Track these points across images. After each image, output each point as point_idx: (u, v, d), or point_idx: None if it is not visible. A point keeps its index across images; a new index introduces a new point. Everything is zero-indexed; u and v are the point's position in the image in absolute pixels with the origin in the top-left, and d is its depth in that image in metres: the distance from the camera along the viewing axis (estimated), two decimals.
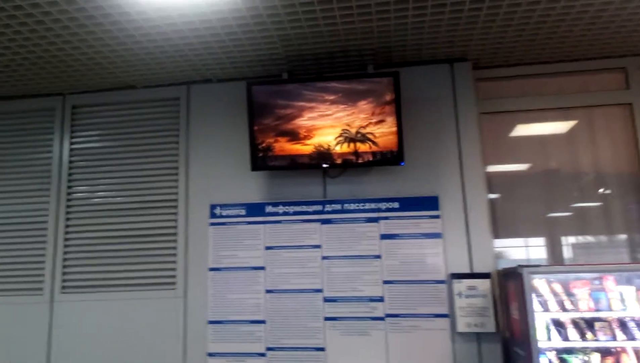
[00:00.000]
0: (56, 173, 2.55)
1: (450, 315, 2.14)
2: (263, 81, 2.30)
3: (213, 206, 2.41)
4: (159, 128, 2.54)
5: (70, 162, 2.57)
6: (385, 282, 2.21)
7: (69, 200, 2.53)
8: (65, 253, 2.48)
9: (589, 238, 2.28)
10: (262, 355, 2.22)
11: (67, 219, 2.51)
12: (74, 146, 2.58)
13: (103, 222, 2.48)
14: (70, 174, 2.55)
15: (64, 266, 2.46)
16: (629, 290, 1.92)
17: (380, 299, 2.20)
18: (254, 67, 2.38)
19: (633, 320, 1.90)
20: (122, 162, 2.53)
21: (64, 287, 2.45)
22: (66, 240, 2.49)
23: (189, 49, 2.17)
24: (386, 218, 2.27)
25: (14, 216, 2.55)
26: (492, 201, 2.37)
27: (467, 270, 2.18)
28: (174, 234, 2.42)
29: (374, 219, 2.27)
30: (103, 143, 2.56)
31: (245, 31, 2.03)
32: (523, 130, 2.44)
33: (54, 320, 2.41)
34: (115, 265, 2.43)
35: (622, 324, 1.91)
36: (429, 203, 2.25)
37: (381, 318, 2.18)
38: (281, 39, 2.09)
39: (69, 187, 2.54)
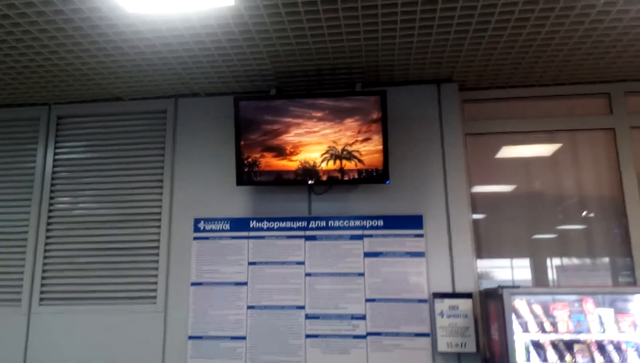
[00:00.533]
0: (39, 183, 2.52)
1: (431, 334, 2.14)
2: (251, 96, 2.31)
3: (197, 221, 2.39)
4: (145, 141, 2.52)
5: (54, 173, 2.54)
6: (368, 300, 2.21)
7: (50, 211, 2.50)
8: (45, 264, 2.44)
9: (573, 261, 2.30)
10: None
11: (48, 230, 2.48)
12: (57, 157, 2.56)
13: (84, 234, 2.45)
14: (53, 185, 2.52)
15: (43, 278, 2.43)
16: (608, 313, 1.94)
17: (363, 317, 2.19)
18: (242, 82, 2.39)
19: (611, 342, 1.92)
20: (106, 174, 2.51)
21: (42, 299, 2.41)
22: (46, 251, 2.45)
23: (177, 62, 2.17)
24: (370, 235, 2.27)
25: None
26: (476, 221, 2.39)
27: (449, 290, 2.18)
28: (157, 247, 2.40)
29: (359, 237, 2.28)
30: (87, 154, 2.54)
31: (234, 46, 2.03)
32: (508, 152, 2.46)
33: (31, 332, 2.37)
34: (95, 277, 2.40)
35: (600, 347, 1.93)
36: (413, 222, 2.26)
37: (363, 337, 2.17)
38: (270, 55, 2.10)
39: (51, 198, 2.51)
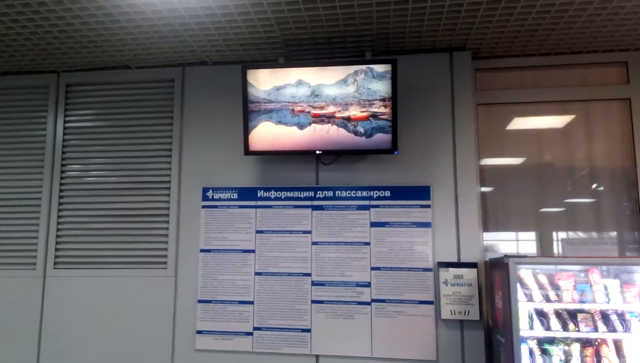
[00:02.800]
0: (50, 151, 2.56)
1: (435, 302, 2.18)
2: (259, 64, 2.27)
3: (205, 189, 2.42)
4: (153, 109, 2.53)
5: (64, 140, 2.57)
6: (373, 268, 2.24)
7: (62, 178, 2.54)
8: (59, 229, 2.51)
9: (580, 234, 2.29)
10: (249, 334, 2.27)
11: (61, 196, 2.53)
12: (67, 125, 2.58)
13: (96, 201, 2.50)
14: (64, 153, 2.56)
15: (57, 243, 2.50)
16: (614, 284, 1.94)
17: (368, 284, 2.23)
18: (250, 50, 2.36)
19: (615, 312, 1.93)
20: (116, 142, 2.53)
21: (56, 263, 2.49)
22: (59, 217, 2.51)
23: (185, 30, 2.15)
24: (377, 206, 2.28)
25: (8, 192, 2.57)
26: (484, 194, 2.38)
27: (454, 260, 2.20)
28: (166, 215, 2.44)
29: (365, 207, 2.29)
30: (97, 122, 2.56)
31: (242, 12, 2.00)
32: (519, 123, 2.42)
33: (46, 294, 2.46)
34: (107, 243, 2.46)
35: (605, 316, 1.94)
36: (421, 193, 2.26)
37: (367, 303, 2.22)
38: (278, 22, 2.06)
39: (63, 165, 2.55)
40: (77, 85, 2.60)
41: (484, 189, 2.39)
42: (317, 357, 2.22)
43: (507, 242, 2.35)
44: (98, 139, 2.54)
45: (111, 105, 2.56)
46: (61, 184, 2.53)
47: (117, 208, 2.48)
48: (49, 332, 2.42)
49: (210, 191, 2.42)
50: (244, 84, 2.23)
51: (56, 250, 2.49)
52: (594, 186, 2.32)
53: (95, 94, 2.58)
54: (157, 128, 2.52)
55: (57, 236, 2.50)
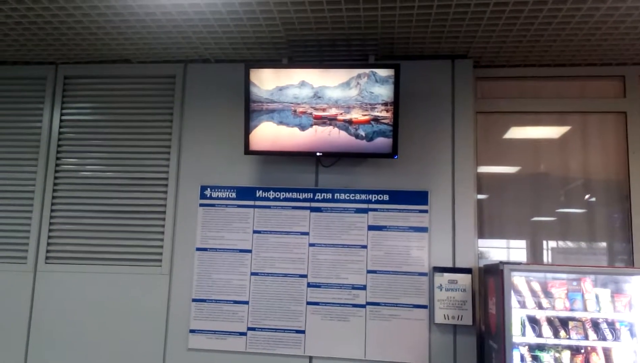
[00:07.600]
0: (45, 143, 2.51)
1: (429, 307, 2.19)
2: (262, 63, 2.27)
3: (203, 188, 2.41)
4: (153, 105, 2.50)
5: (60, 133, 2.53)
6: (369, 272, 2.25)
7: (57, 171, 2.50)
8: (52, 224, 2.46)
9: (570, 244, 2.33)
10: (243, 334, 2.26)
11: (55, 190, 2.49)
12: (64, 118, 2.54)
13: (91, 196, 2.46)
14: (59, 146, 2.52)
15: (50, 237, 2.45)
16: (605, 293, 1.98)
17: (363, 287, 2.24)
18: (253, 49, 2.35)
19: (606, 321, 1.97)
20: (113, 137, 2.50)
21: (48, 257, 2.45)
22: (53, 211, 2.47)
23: (188, 26, 2.13)
24: (375, 209, 2.29)
25: (1, 184, 2.52)
26: (479, 201, 2.41)
27: (449, 265, 2.22)
28: (163, 212, 2.42)
29: (363, 211, 2.30)
30: (94, 116, 2.52)
31: (247, 11, 1.99)
32: (517, 132, 2.45)
33: (37, 289, 2.42)
34: (101, 239, 2.43)
35: (595, 325, 1.98)
36: (419, 198, 2.28)
37: (362, 306, 2.23)
38: (284, 22, 2.06)
39: (58, 158, 2.51)
40: (75, 77, 2.56)
41: (479, 196, 2.41)
42: (310, 358, 2.22)
43: (498, 249, 2.38)
44: (95, 133, 2.51)
45: (110, 99, 2.53)
46: (55, 177, 2.49)
47: (113, 203, 2.44)
48: (38, 328, 2.38)
49: (209, 189, 2.40)
50: (247, 83, 2.22)
51: (48, 244, 2.45)
52: (586, 196, 2.36)
53: (93, 88, 2.55)
54: (156, 124, 2.49)
55: (50, 230, 2.46)
